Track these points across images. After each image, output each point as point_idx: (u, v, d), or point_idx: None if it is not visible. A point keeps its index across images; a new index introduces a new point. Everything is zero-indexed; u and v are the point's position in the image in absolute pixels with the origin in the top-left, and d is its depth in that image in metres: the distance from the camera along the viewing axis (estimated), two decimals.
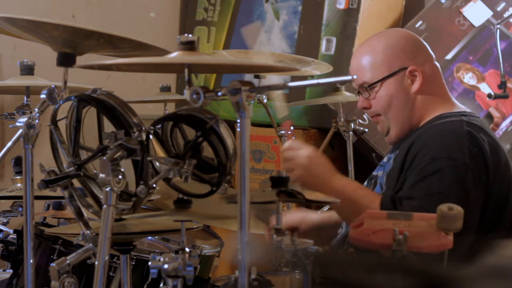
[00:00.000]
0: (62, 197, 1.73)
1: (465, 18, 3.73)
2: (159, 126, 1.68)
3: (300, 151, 2.15)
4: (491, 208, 2.21)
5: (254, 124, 3.24)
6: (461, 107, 2.38)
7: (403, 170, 2.23)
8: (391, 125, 2.35)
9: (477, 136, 2.22)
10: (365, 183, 2.43)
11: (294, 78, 3.37)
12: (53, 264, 1.64)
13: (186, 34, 1.57)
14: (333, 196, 1.95)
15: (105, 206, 1.55)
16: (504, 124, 3.65)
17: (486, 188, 2.20)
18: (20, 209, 3.07)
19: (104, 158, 1.54)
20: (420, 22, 3.74)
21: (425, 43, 2.41)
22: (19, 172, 2.54)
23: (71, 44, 1.79)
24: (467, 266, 1.10)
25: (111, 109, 1.66)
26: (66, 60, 1.81)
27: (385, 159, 2.41)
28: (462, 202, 2.13)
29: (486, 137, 2.25)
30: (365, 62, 2.34)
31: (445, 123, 2.28)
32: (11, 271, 2.60)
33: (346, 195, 2.13)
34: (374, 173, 2.41)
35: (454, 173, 2.15)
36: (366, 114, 2.54)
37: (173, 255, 1.62)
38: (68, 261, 1.65)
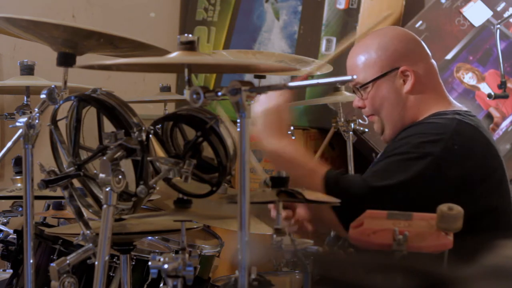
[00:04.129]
0: (62, 197, 1.73)
1: (465, 18, 3.73)
2: (159, 126, 1.68)
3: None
4: (488, 218, 2.16)
5: None
6: (458, 106, 2.36)
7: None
8: (385, 125, 2.34)
9: (465, 136, 2.19)
10: None
11: (294, 78, 3.37)
12: (53, 264, 1.64)
13: (186, 34, 1.57)
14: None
15: (105, 206, 1.55)
16: (504, 124, 3.65)
17: (470, 191, 2.14)
18: (20, 209, 3.07)
19: (104, 158, 1.54)
20: (420, 22, 3.74)
21: (421, 41, 2.39)
22: (19, 172, 2.54)
23: (71, 44, 1.79)
24: (467, 266, 1.10)
25: (111, 109, 1.66)
26: (66, 60, 1.81)
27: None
28: (403, 188, 2.10)
29: (480, 138, 2.22)
30: (358, 62, 2.34)
31: (436, 119, 2.26)
32: (11, 271, 2.61)
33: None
34: None
35: (412, 160, 2.12)
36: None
37: (173, 255, 1.62)
38: (68, 261, 1.65)
